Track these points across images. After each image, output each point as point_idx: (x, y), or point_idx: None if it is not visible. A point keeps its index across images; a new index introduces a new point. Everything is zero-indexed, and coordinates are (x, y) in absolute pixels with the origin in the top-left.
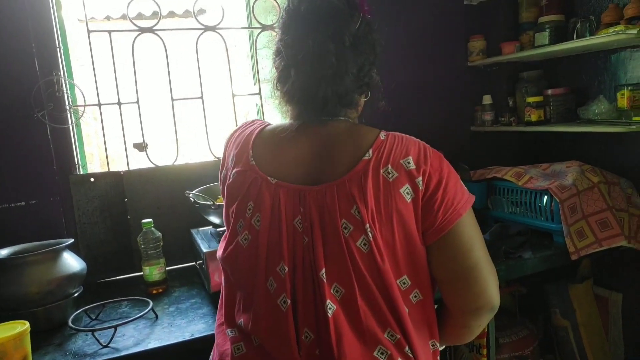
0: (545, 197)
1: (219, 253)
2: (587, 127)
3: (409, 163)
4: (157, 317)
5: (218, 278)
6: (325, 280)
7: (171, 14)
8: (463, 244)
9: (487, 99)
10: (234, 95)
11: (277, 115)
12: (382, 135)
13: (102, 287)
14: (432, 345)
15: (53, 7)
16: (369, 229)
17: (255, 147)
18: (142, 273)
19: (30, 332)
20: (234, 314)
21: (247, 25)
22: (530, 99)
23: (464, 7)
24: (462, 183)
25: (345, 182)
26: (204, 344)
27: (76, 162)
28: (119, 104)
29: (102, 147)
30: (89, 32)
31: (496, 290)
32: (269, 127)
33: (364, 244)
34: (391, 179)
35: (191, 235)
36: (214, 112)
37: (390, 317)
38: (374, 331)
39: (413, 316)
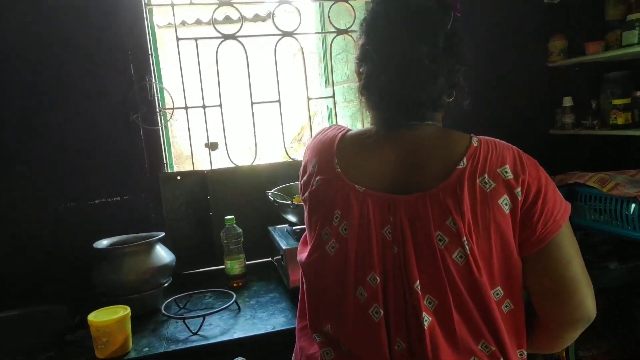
0: (633, 205)
1: (302, 257)
2: None
3: (506, 172)
4: (239, 309)
5: (296, 274)
6: (419, 291)
7: (255, 18)
8: (562, 255)
9: (567, 101)
10: (309, 99)
11: (348, 118)
12: (475, 141)
13: (187, 279)
14: (520, 355)
15: (147, 17)
16: (465, 242)
17: (340, 153)
18: (223, 266)
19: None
20: (320, 319)
21: (320, 30)
22: (617, 101)
23: (545, 6)
24: (558, 191)
25: (440, 192)
26: (285, 337)
27: (165, 161)
28: (204, 107)
29: (176, 145)
30: (177, 39)
31: (593, 302)
32: (351, 132)
33: (460, 257)
34: (488, 190)
35: (268, 232)
36: (286, 114)
37: (485, 328)
38: (468, 342)
39: (506, 325)
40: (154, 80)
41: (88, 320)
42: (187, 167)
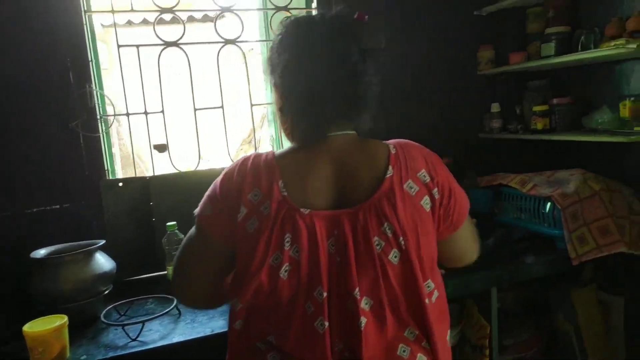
0: (549, 204)
1: (243, 295)
2: (590, 136)
3: (424, 176)
4: (180, 313)
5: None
6: (358, 297)
7: (205, 18)
8: (468, 233)
9: (495, 107)
10: (252, 105)
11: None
12: (392, 148)
13: (129, 285)
14: (448, 339)
15: (86, 23)
16: (402, 242)
17: (283, 176)
18: (165, 272)
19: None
20: (262, 330)
21: (265, 37)
22: (537, 108)
23: (474, 18)
24: (457, 183)
25: (376, 201)
26: (225, 339)
27: (106, 168)
28: (146, 113)
29: (123, 147)
30: (118, 46)
31: (478, 253)
32: (281, 153)
33: (395, 257)
34: (413, 193)
35: None
36: (235, 117)
37: (412, 320)
38: (396, 331)
39: (433, 313)
40: (93, 87)
41: (23, 331)
42: (138, 170)
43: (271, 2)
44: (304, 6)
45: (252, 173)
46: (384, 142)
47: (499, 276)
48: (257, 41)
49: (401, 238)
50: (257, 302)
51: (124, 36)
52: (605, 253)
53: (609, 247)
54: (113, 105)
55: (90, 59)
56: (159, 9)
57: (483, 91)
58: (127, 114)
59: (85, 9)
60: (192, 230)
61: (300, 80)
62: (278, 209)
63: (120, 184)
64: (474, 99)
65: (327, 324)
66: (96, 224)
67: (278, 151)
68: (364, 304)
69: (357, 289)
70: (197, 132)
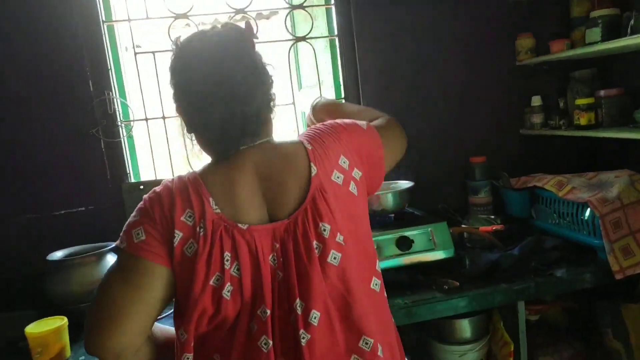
0: (588, 210)
1: (188, 322)
2: (638, 132)
3: (344, 162)
4: None
5: None
6: (299, 312)
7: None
8: (389, 143)
9: (536, 100)
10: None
11: None
12: (307, 144)
13: None
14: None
15: (105, 34)
16: (340, 240)
17: (212, 193)
18: None
19: (72, 325)
20: (208, 349)
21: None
22: (579, 101)
23: (511, 2)
24: (365, 132)
25: (310, 203)
26: None
27: (128, 172)
28: (164, 118)
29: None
30: (135, 54)
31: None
32: (202, 171)
33: (334, 258)
34: (341, 182)
35: None
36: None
37: (365, 327)
38: (352, 347)
39: (386, 315)
40: (113, 95)
41: (25, 332)
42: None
43: (287, 2)
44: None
45: (180, 194)
46: (297, 140)
47: (522, 290)
48: (275, 41)
49: (338, 235)
50: (203, 328)
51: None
52: None
53: None
54: (132, 111)
55: (109, 67)
56: (174, 15)
57: (523, 83)
58: (146, 119)
59: (104, 19)
60: (116, 264)
61: (191, 105)
62: (214, 228)
63: (142, 187)
64: (513, 92)
65: (271, 342)
66: (118, 226)
67: (198, 169)
68: (312, 318)
69: (297, 303)
70: None
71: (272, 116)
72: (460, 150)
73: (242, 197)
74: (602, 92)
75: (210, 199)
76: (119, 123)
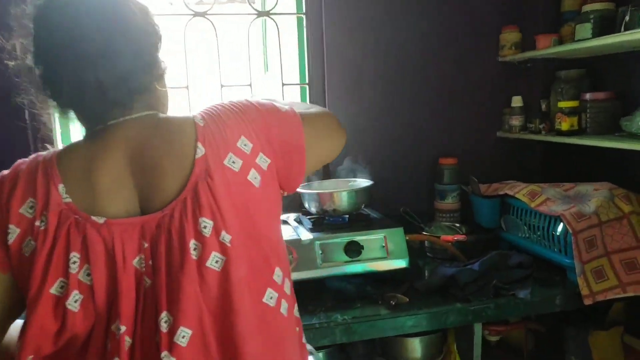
0: (561, 225)
1: (26, 341)
2: (625, 142)
3: (245, 145)
4: None
5: None
6: (164, 328)
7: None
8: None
9: (516, 101)
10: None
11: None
12: (199, 120)
13: None
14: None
15: None
16: (225, 240)
17: (64, 178)
18: None
19: None
20: None
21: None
22: (562, 104)
23: None
24: (283, 115)
25: (189, 192)
26: None
27: None
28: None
29: None
30: None
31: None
32: (63, 149)
33: (216, 262)
34: (238, 169)
35: None
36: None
37: (243, 347)
38: None
39: (283, 334)
40: None
41: None
42: None
43: None
44: None
45: (25, 179)
46: (191, 115)
47: (479, 311)
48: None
49: (223, 234)
50: (47, 349)
51: None
52: (630, 294)
53: (635, 286)
54: None
55: None
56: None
57: (505, 82)
58: None
59: None
60: None
61: (47, 69)
62: (60, 221)
63: None
64: (493, 90)
65: None
66: None
67: (63, 147)
68: (178, 337)
69: (164, 317)
70: None
71: (159, 87)
72: (431, 151)
73: (105, 182)
74: (587, 96)
75: (60, 185)
76: None
